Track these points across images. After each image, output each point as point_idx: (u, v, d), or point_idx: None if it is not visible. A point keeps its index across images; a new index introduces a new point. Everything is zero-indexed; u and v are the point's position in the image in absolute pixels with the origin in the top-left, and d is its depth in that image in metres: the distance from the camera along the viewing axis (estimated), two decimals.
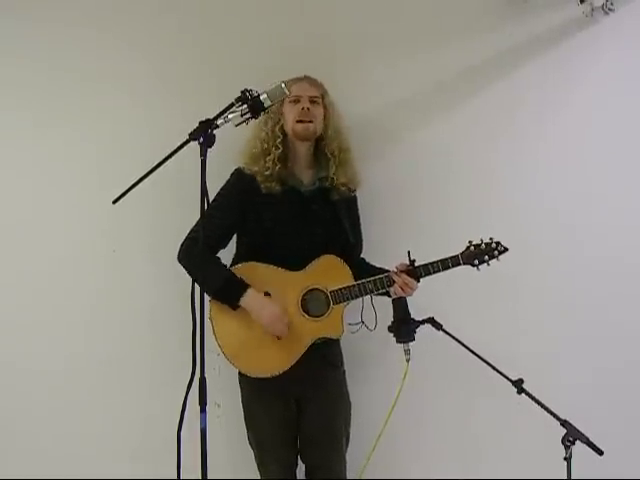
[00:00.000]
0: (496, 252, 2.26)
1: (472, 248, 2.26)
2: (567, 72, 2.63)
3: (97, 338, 2.70)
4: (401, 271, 2.27)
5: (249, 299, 2.25)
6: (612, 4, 2.56)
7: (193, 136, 1.75)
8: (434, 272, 2.26)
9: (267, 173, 2.31)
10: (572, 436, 1.92)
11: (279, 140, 2.34)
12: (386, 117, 2.69)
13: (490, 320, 2.62)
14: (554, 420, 1.96)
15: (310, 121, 2.34)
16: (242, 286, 2.26)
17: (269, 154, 2.33)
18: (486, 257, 2.26)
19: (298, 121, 2.33)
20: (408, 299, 2.22)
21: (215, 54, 2.69)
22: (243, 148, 2.39)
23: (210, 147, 1.75)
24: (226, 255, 2.40)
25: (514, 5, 2.61)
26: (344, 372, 2.48)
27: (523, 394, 2.01)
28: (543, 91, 2.64)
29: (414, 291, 2.27)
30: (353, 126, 2.54)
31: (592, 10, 2.58)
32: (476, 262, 2.26)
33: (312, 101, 2.36)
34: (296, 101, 2.34)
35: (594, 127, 2.63)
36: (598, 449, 1.91)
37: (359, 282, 2.29)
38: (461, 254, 2.26)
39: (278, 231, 2.32)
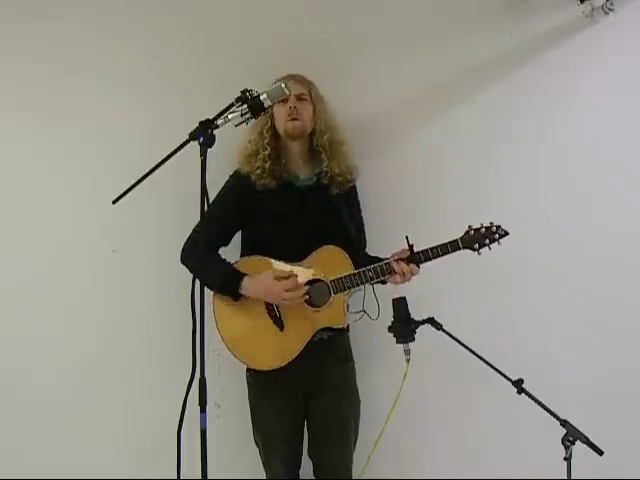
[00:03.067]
0: (496, 235, 2.22)
1: (472, 232, 2.23)
2: (567, 72, 2.63)
3: (97, 338, 2.71)
4: (401, 258, 2.25)
5: (247, 286, 2.27)
6: (612, 4, 2.56)
7: (193, 136, 1.75)
8: (434, 257, 2.23)
9: (258, 172, 2.34)
10: (572, 436, 1.92)
11: (267, 141, 2.36)
12: (385, 117, 2.69)
13: (490, 320, 2.62)
14: (554, 420, 1.96)
15: (297, 119, 2.35)
16: (238, 277, 2.28)
17: (259, 154, 2.36)
18: (487, 241, 2.22)
19: (288, 120, 2.35)
20: (408, 299, 2.21)
21: (215, 54, 2.69)
22: (239, 149, 2.42)
23: (210, 147, 1.75)
24: (233, 253, 2.42)
25: (514, 5, 2.61)
26: (353, 366, 2.48)
27: (523, 394, 2.01)
28: (543, 91, 2.64)
29: (413, 276, 2.25)
30: (351, 125, 2.54)
31: (592, 10, 2.58)
32: (476, 246, 2.22)
33: (299, 99, 2.37)
34: (284, 100, 2.33)
35: (594, 127, 2.62)
36: (598, 449, 1.91)
37: (359, 270, 2.28)
38: (460, 238, 2.22)
39: (276, 226, 2.34)
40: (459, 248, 2.22)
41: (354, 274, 2.28)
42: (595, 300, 2.62)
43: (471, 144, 2.65)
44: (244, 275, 2.29)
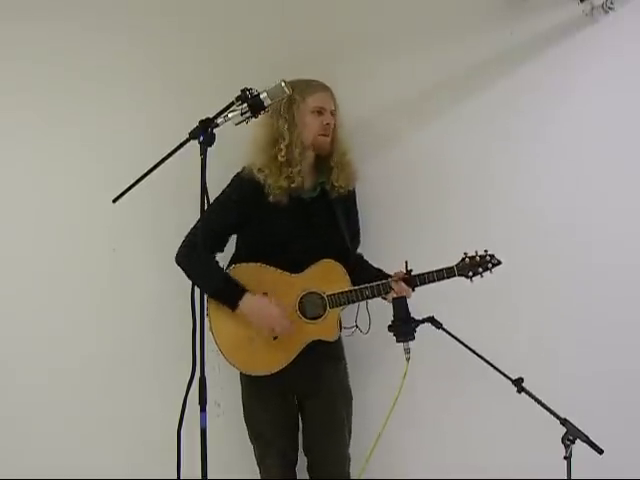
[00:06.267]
0: (490, 265, 2.30)
1: (467, 260, 2.30)
2: (567, 71, 2.62)
3: (96, 337, 2.71)
4: (399, 279, 2.29)
5: (246, 304, 2.26)
6: (612, 3, 2.56)
7: (193, 135, 1.75)
8: (429, 282, 2.29)
9: (293, 185, 2.27)
10: (572, 435, 1.92)
11: (299, 151, 2.29)
12: (385, 118, 2.69)
13: (490, 319, 2.62)
14: (554, 419, 1.96)
15: (328, 135, 2.35)
16: (239, 291, 2.27)
17: (295, 165, 2.28)
18: (480, 269, 2.29)
19: (322, 134, 2.34)
20: (409, 298, 2.23)
21: (215, 53, 2.69)
22: (257, 151, 2.33)
23: (210, 146, 1.74)
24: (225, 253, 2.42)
25: (514, 4, 2.61)
26: (345, 365, 2.49)
27: (523, 393, 2.01)
28: (543, 90, 2.63)
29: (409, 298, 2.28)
30: (352, 127, 2.53)
31: (592, 9, 2.58)
32: (470, 274, 2.29)
33: (332, 114, 2.37)
34: (320, 113, 2.33)
35: (594, 126, 2.62)
36: (598, 448, 1.91)
37: (357, 287, 2.31)
38: (456, 266, 2.29)
39: (279, 237, 2.33)
40: (454, 275, 2.30)
41: (351, 291, 2.30)
42: (596, 299, 2.62)
43: (472, 143, 2.65)
44: (245, 291, 2.27)
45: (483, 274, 2.30)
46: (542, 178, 2.65)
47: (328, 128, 2.35)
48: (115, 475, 2.64)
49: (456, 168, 2.67)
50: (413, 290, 2.30)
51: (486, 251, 2.30)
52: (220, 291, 2.27)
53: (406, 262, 2.29)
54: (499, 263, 2.30)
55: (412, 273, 2.29)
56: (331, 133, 2.37)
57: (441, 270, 2.29)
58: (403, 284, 2.28)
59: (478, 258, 2.29)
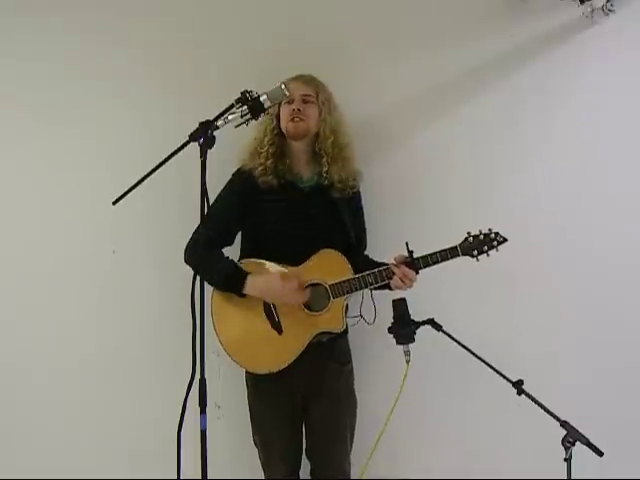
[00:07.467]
0: (495, 242, 2.23)
1: (471, 239, 2.23)
2: (567, 73, 2.62)
3: (97, 338, 2.71)
4: (400, 263, 2.25)
5: (250, 287, 2.26)
6: (612, 5, 2.56)
7: (193, 137, 1.75)
8: (433, 263, 2.23)
9: (261, 169, 2.34)
10: (572, 437, 1.92)
11: (269, 139, 2.37)
12: (388, 118, 2.69)
13: (490, 321, 2.62)
14: (554, 421, 1.96)
15: (301, 119, 2.34)
16: (242, 276, 2.27)
17: (262, 151, 2.36)
18: (485, 247, 2.23)
19: (290, 120, 2.35)
20: (409, 300, 2.21)
21: (215, 54, 2.69)
22: (243, 146, 2.42)
23: (210, 148, 1.75)
24: (233, 254, 2.42)
25: (514, 6, 2.61)
26: (351, 369, 2.48)
27: (523, 395, 2.01)
28: (543, 92, 2.63)
29: (413, 282, 2.25)
30: (355, 126, 2.53)
31: (592, 11, 2.57)
32: (475, 253, 2.22)
33: (305, 100, 2.36)
34: (290, 101, 2.35)
35: (594, 128, 2.62)
36: (598, 450, 1.91)
37: (359, 275, 2.28)
38: (460, 245, 2.23)
39: (277, 226, 2.34)
40: (458, 255, 2.23)
41: (353, 279, 2.28)
42: (596, 300, 2.62)
43: (474, 145, 2.65)
44: (247, 274, 2.28)
45: (489, 252, 2.22)
46: (543, 179, 2.65)
47: (298, 113, 2.34)
48: (115, 475, 2.65)
49: (459, 170, 2.67)
50: (417, 273, 2.24)
51: (490, 229, 2.23)
52: (225, 282, 2.27)
53: (407, 243, 2.22)
54: (505, 240, 2.22)
55: (414, 255, 2.23)
56: (310, 118, 2.36)
57: (444, 250, 2.22)
58: (405, 268, 2.24)
59: (482, 236, 2.22)
